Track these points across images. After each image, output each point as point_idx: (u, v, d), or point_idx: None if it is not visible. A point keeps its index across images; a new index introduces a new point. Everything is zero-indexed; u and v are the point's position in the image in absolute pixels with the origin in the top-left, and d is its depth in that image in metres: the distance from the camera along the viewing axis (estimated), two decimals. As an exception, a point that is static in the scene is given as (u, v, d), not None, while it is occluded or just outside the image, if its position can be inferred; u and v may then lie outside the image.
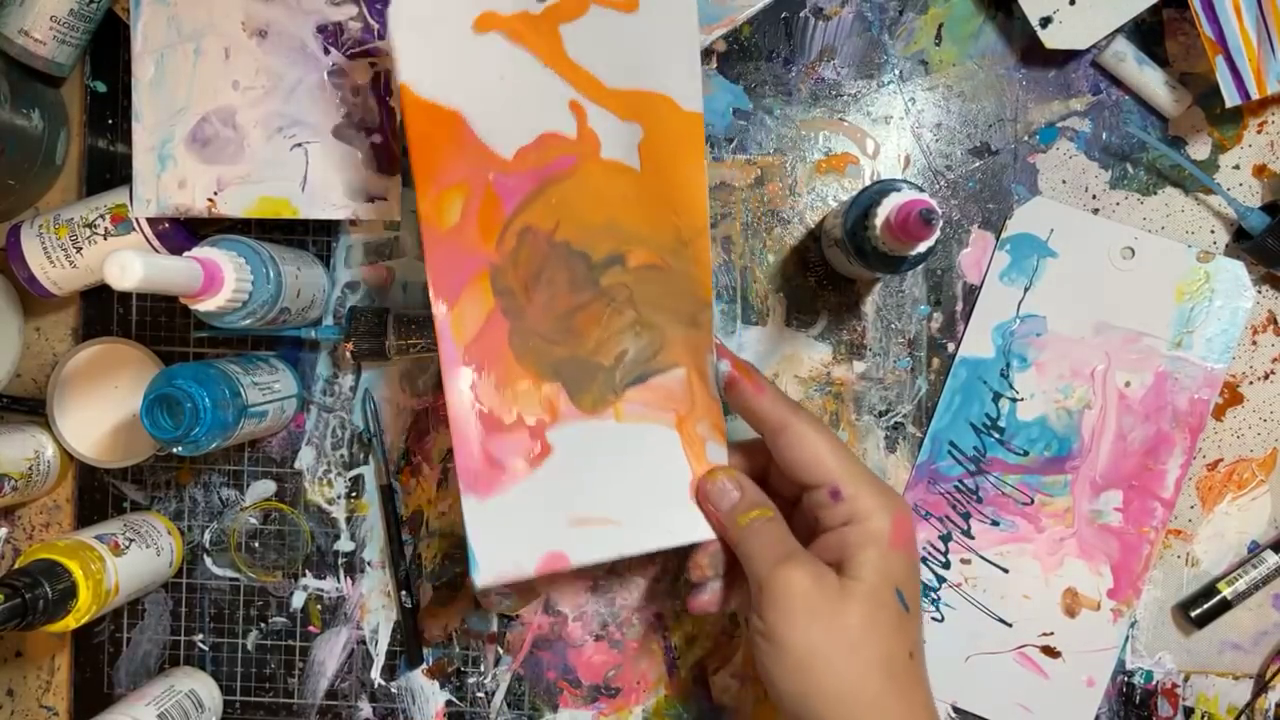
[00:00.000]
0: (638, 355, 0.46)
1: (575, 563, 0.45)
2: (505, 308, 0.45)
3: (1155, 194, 0.59)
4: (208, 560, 0.60)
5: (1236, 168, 0.58)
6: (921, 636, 0.43)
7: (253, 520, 0.60)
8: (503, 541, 0.45)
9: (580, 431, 0.46)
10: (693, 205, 0.46)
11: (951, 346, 0.59)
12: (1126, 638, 0.59)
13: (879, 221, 0.47)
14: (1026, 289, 0.58)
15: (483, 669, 0.60)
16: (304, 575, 0.60)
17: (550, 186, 0.45)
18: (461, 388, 0.45)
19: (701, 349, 0.46)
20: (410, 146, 0.43)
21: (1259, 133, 0.58)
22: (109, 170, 0.59)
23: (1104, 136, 0.58)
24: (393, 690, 0.60)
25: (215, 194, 0.55)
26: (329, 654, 0.60)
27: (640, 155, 0.45)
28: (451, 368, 0.45)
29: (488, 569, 0.45)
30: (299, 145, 0.55)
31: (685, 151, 0.45)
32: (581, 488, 0.46)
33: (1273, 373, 0.59)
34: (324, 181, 0.55)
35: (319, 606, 0.60)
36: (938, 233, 0.45)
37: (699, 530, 0.46)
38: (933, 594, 0.59)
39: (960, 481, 0.59)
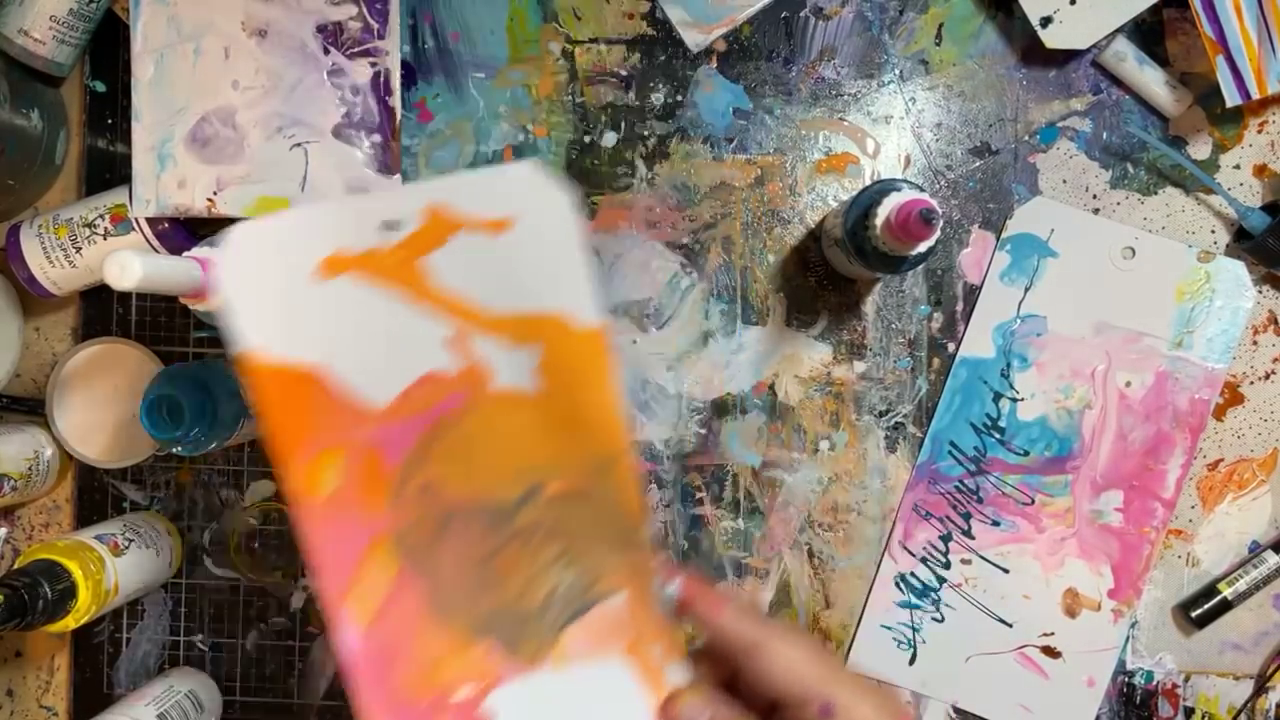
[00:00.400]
0: (571, 589, 0.41)
1: None
2: (412, 572, 0.39)
3: (1156, 194, 0.59)
4: (207, 560, 0.60)
5: (1237, 167, 0.58)
6: None
7: (252, 520, 0.60)
8: None
9: (522, 690, 0.40)
10: (607, 426, 0.40)
11: (952, 346, 0.59)
12: (1127, 638, 0.59)
13: (879, 221, 0.47)
14: (1027, 289, 0.58)
15: (483, 669, 0.60)
16: (304, 575, 0.60)
17: (442, 430, 0.39)
18: (373, 676, 0.38)
19: (643, 568, 0.41)
20: (265, 418, 0.38)
21: (1259, 133, 0.58)
22: (109, 170, 0.59)
23: (1104, 136, 0.58)
24: (393, 690, 0.60)
25: (215, 194, 0.55)
26: (329, 654, 0.60)
27: (540, 380, 0.40)
28: (357, 656, 0.38)
29: None
30: (299, 145, 0.55)
31: (590, 370, 0.39)
32: None
33: (1273, 373, 0.59)
34: (324, 181, 0.55)
35: (319, 606, 0.60)
36: (938, 233, 0.45)
37: None
38: (933, 594, 0.59)
39: (961, 481, 0.59)
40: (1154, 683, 0.59)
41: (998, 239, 0.59)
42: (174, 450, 0.50)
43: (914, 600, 0.59)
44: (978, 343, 0.58)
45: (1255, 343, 0.59)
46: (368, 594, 0.39)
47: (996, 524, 0.59)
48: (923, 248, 0.47)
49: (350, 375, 0.38)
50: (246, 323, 0.37)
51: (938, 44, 0.59)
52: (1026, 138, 0.59)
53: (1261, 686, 0.59)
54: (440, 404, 0.39)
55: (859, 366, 0.59)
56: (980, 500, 0.59)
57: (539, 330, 0.40)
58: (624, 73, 0.59)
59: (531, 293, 0.39)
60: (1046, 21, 0.56)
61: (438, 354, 0.39)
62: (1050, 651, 0.59)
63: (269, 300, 0.38)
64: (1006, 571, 0.59)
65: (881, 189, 0.48)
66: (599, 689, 0.41)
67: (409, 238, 0.38)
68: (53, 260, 0.55)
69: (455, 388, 0.39)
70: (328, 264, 0.38)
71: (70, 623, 0.50)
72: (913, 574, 0.59)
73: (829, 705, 0.38)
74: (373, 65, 0.55)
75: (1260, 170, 0.58)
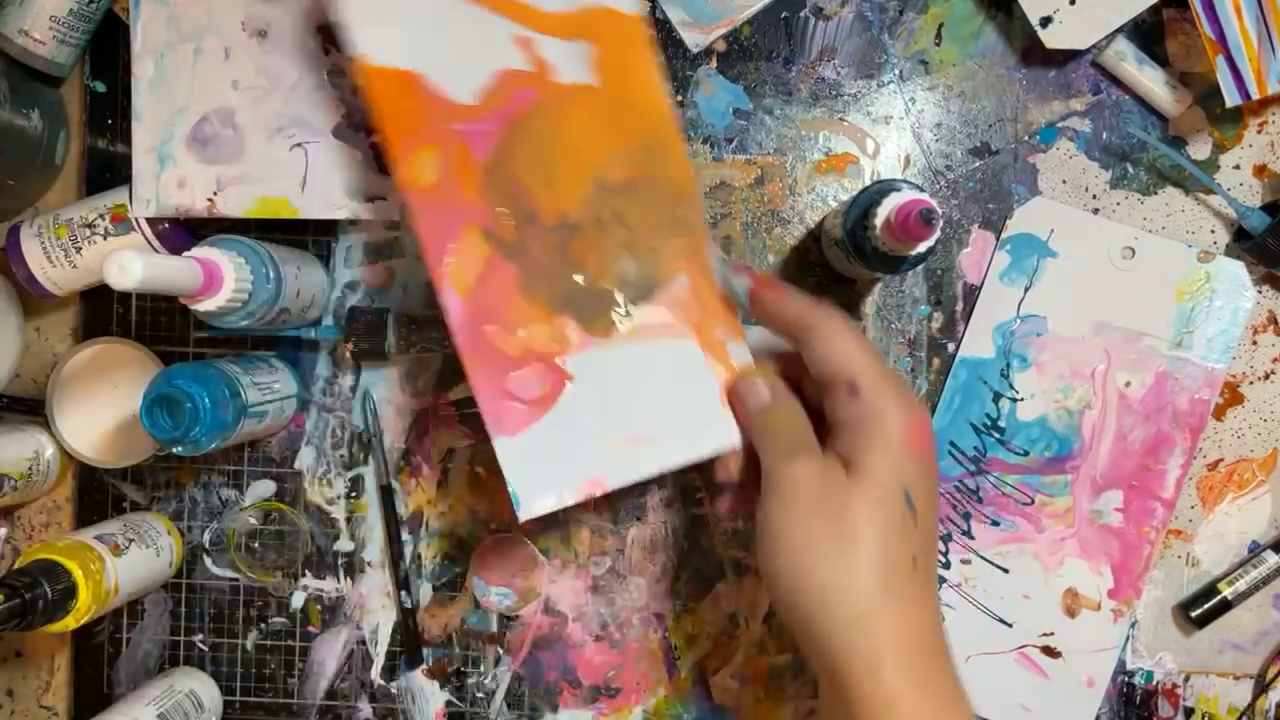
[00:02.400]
0: (639, 272, 0.47)
1: (614, 484, 0.46)
2: (500, 251, 0.46)
3: (1155, 194, 0.59)
4: (207, 560, 0.60)
5: (1237, 167, 0.58)
6: (932, 547, 0.42)
7: (252, 520, 0.60)
8: (540, 475, 0.46)
9: (597, 357, 0.47)
10: (655, 108, 0.47)
11: (951, 346, 0.59)
12: (1127, 638, 0.59)
13: (879, 221, 0.47)
14: (1027, 289, 0.58)
15: (483, 669, 0.60)
16: (304, 575, 0.60)
17: (518, 123, 0.46)
18: (470, 335, 0.46)
19: (699, 251, 0.47)
20: (376, 115, 0.45)
21: (1259, 133, 0.58)
22: (109, 170, 0.59)
23: (1104, 136, 0.58)
24: (393, 690, 0.60)
25: (215, 194, 0.55)
26: (329, 654, 0.60)
27: (596, 72, 0.47)
28: (457, 318, 0.46)
29: (529, 504, 0.46)
30: (299, 145, 0.55)
31: (637, 57, 0.46)
32: (608, 411, 0.46)
33: (1273, 373, 0.59)
34: (324, 181, 0.55)
35: (319, 606, 0.60)
36: (938, 233, 0.45)
37: (730, 436, 0.47)
38: (933, 594, 0.59)
39: (960, 481, 0.59)
40: (1154, 683, 0.59)
41: (997, 239, 0.59)
42: (174, 450, 0.50)
43: (914, 600, 0.59)
44: (977, 343, 0.58)
45: (1255, 343, 0.59)
46: (464, 269, 0.46)
47: (996, 524, 0.59)
48: (923, 248, 0.47)
49: (439, 76, 0.46)
50: (358, 32, 0.45)
51: (938, 44, 0.59)
52: (1026, 138, 0.59)
53: (1262, 687, 0.59)
54: (515, 99, 0.46)
55: (859, 366, 0.59)
56: (980, 500, 0.59)
57: (590, 23, 0.47)
58: (624, 73, 0.59)
59: None
60: (1046, 21, 0.56)
61: (509, 52, 0.46)
62: (1050, 651, 0.59)
63: (374, 11, 0.45)
64: (1006, 571, 0.59)
65: (881, 189, 0.48)
66: (667, 360, 0.47)
67: None
68: (53, 260, 0.55)
69: (526, 82, 0.46)
70: None
71: (70, 623, 0.50)
72: (913, 574, 0.59)
73: (854, 384, 0.42)
74: (373, 65, 0.55)
75: (1260, 170, 0.58)
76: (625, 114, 0.47)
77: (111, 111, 0.59)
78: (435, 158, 0.46)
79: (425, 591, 0.60)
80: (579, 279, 0.47)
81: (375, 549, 0.60)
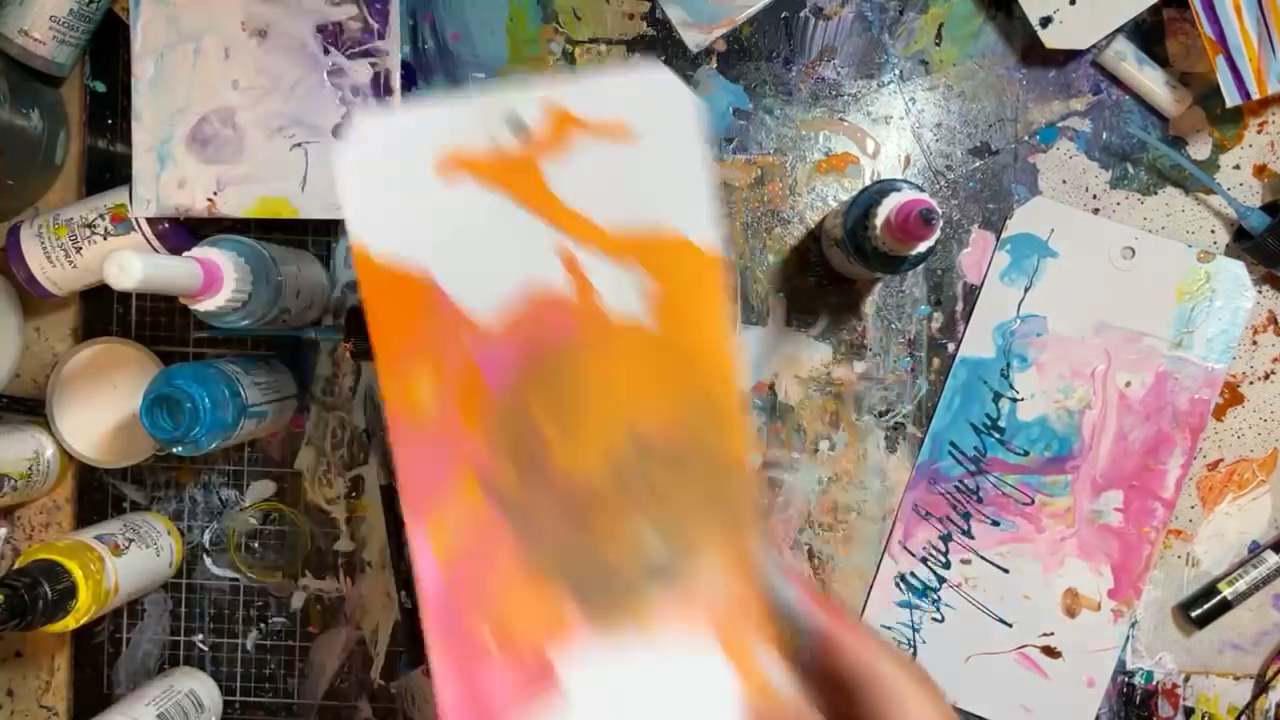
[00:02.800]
0: (664, 552, 0.38)
1: None
2: (498, 506, 0.37)
3: (1155, 194, 0.59)
4: (207, 560, 0.60)
5: (1237, 167, 0.58)
6: None
7: (252, 520, 0.60)
8: None
9: (597, 653, 0.38)
10: (718, 367, 0.38)
11: (952, 346, 0.59)
12: (1127, 638, 0.59)
13: (879, 221, 0.47)
14: (1027, 289, 0.58)
15: (483, 669, 0.60)
16: (304, 575, 0.60)
17: (546, 355, 0.38)
18: (445, 620, 0.37)
19: (743, 538, 0.38)
20: (368, 319, 0.37)
21: (1259, 133, 0.58)
22: (109, 170, 0.59)
23: (1104, 136, 0.58)
24: (393, 690, 0.60)
25: (215, 194, 0.55)
26: (329, 654, 0.60)
27: (653, 310, 0.38)
28: (432, 594, 0.37)
29: None
30: (299, 145, 0.55)
31: (705, 300, 0.38)
32: None
33: (1273, 373, 0.59)
34: (324, 181, 0.55)
35: (319, 606, 0.60)
36: (938, 233, 0.45)
37: None
38: (933, 594, 0.59)
39: (961, 481, 0.59)
40: (1154, 683, 0.59)
41: (998, 239, 0.59)
42: (174, 450, 0.50)
43: (914, 600, 0.59)
44: (978, 343, 0.58)
45: (1255, 343, 0.59)
46: (448, 526, 0.37)
47: (996, 524, 0.59)
48: (923, 248, 0.47)
49: (459, 284, 0.37)
50: (359, 216, 0.35)
51: (938, 44, 0.59)
52: (1026, 138, 0.59)
53: (1262, 687, 0.59)
54: (548, 326, 0.37)
55: (859, 366, 0.59)
56: (980, 500, 0.59)
57: (656, 251, 0.37)
58: (624, 73, 0.59)
59: (652, 208, 0.37)
60: (1046, 21, 0.56)
61: (550, 270, 0.37)
62: (1050, 651, 0.59)
63: (384, 193, 0.36)
64: (1006, 571, 0.59)
65: (881, 189, 0.48)
66: (682, 664, 0.38)
67: (533, 141, 0.36)
68: (53, 260, 0.55)
69: (564, 309, 0.37)
70: (448, 161, 0.36)
71: (70, 623, 0.50)
72: (913, 574, 0.59)
73: None
74: (373, 65, 0.55)
75: (1260, 170, 0.58)
76: (681, 365, 0.38)
77: (111, 111, 0.59)
78: (435, 380, 0.37)
79: (425, 591, 0.60)
80: (589, 551, 0.38)
81: (375, 549, 0.60)
